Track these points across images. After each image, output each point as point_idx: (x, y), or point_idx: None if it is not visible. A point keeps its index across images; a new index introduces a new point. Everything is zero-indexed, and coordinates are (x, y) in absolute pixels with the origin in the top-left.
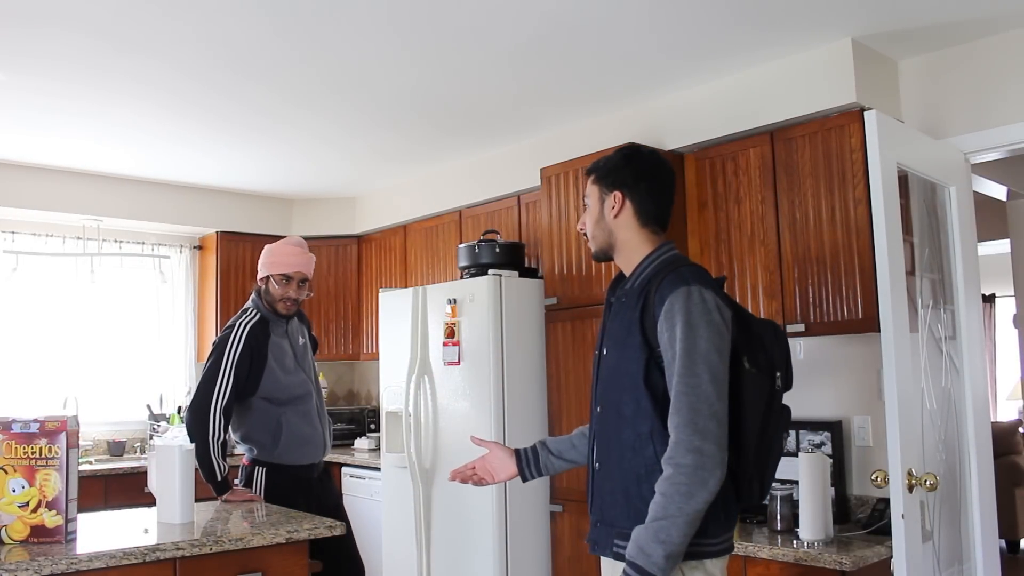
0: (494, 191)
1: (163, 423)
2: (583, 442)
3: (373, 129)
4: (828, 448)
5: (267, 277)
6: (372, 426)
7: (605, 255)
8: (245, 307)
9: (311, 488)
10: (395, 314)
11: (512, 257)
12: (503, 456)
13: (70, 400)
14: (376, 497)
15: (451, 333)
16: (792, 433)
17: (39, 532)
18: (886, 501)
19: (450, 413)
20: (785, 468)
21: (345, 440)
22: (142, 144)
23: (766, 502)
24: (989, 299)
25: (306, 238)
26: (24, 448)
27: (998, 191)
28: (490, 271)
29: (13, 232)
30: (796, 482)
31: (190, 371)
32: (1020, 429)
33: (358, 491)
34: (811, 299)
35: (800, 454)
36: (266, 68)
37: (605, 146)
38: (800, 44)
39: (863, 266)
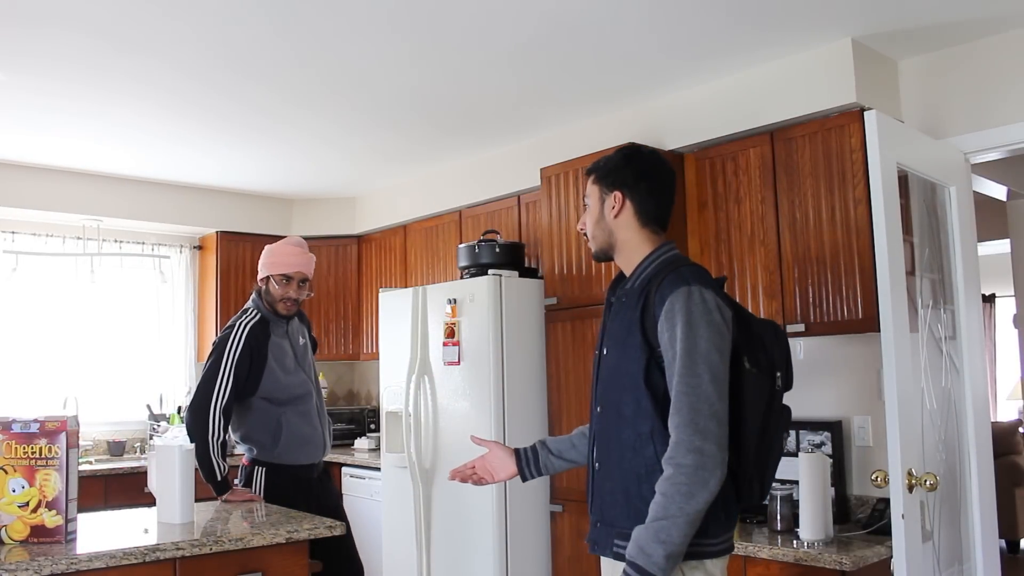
0: (494, 191)
1: (163, 423)
2: (583, 442)
3: (373, 129)
4: (828, 448)
5: (267, 277)
6: (372, 426)
7: (605, 255)
8: (245, 307)
9: (311, 488)
10: (395, 314)
11: (512, 257)
12: (503, 456)
13: (70, 400)
14: (376, 497)
15: (451, 333)
16: (792, 433)
17: (39, 532)
18: (886, 501)
19: (450, 413)
20: (785, 468)
21: (345, 440)
22: (142, 144)
23: (766, 502)
24: (989, 299)
25: (306, 238)
26: (24, 448)
27: (998, 191)
28: (490, 271)
29: (13, 232)
30: (796, 482)
31: (190, 371)
32: (1020, 429)
33: (358, 491)
34: (811, 299)
35: (800, 454)
36: (266, 68)
37: (605, 146)
38: (800, 44)
39: (863, 266)
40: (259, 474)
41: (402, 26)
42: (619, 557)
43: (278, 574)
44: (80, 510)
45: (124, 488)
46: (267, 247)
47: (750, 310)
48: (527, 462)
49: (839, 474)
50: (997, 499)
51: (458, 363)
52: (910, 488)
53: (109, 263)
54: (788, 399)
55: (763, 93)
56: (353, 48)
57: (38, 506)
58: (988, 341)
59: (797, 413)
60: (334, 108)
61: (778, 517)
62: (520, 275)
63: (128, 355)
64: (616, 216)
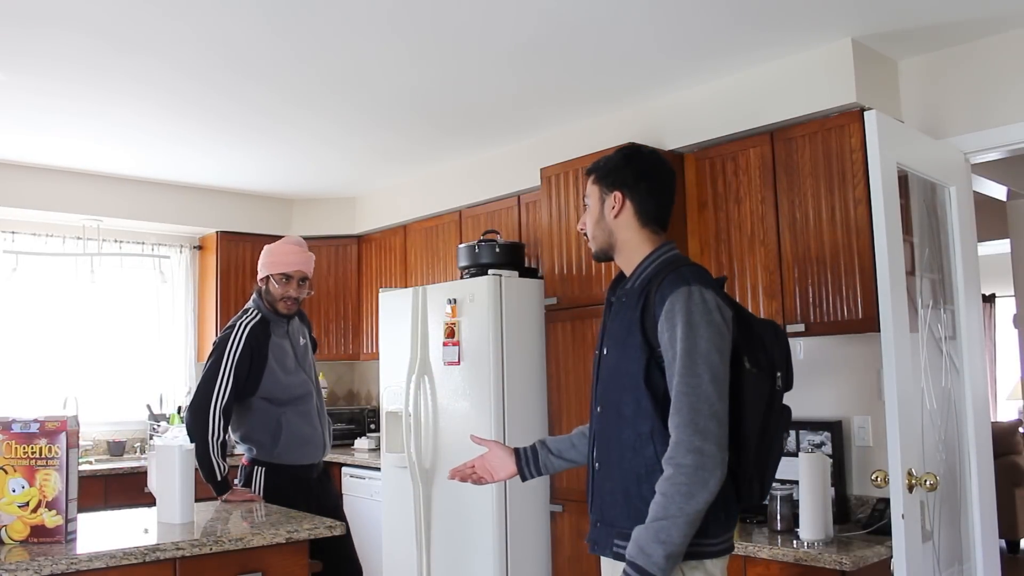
0: (494, 191)
1: (163, 423)
2: (583, 441)
3: (373, 129)
4: (828, 448)
5: (267, 277)
6: (372, 426)
7: (605, 255)
8: (246, 307)
9: (310, 488)
10: (395, 314)
11: (512, 257)
12: (502, 455)
13: (70, 400)
14: (376, 497)
15: (451, 333)
16: (792, 433)
17: (39, 532)
18: (886, 501)
19: (450, 413)
20: (785, 468)
21: (345, 440)
22: (142, 144)
23: (766, 502)
24: (989, 299)
25: (306, 238)
26: (24, 448)
27: (998, 191)
28: (490, 271)
29: (13, 232)
30: (796, 482)
31: (190, 371)
32: (1020, 429)
33: (358, 491)
34: (811, 299)
35: (800, 454)
36: (266, 68)
37: (605, 146)
38: (800, 44)
39: (863, 266)
40: (258, 474)
41: (402, 26)
42: (619, 557)
43: (278, 574)
44: (80, 510)
45: (124, 488)
46: (266, 247)
47: (750, 310)
48: (527, 462)
49: (839, 474)
50: (997, 499)
51: (458, 363)
52: (910, 488)
53: (109, 263)
54: (788, 399)
55: (763, 93)
56: (353, 48)
57: (38, 506)
58: (988, 341)
59: (797, 413)
60: (334, 108)
61: (778, 517)
62: (520, 275)
63: (128, 355)
64: (616, 216)
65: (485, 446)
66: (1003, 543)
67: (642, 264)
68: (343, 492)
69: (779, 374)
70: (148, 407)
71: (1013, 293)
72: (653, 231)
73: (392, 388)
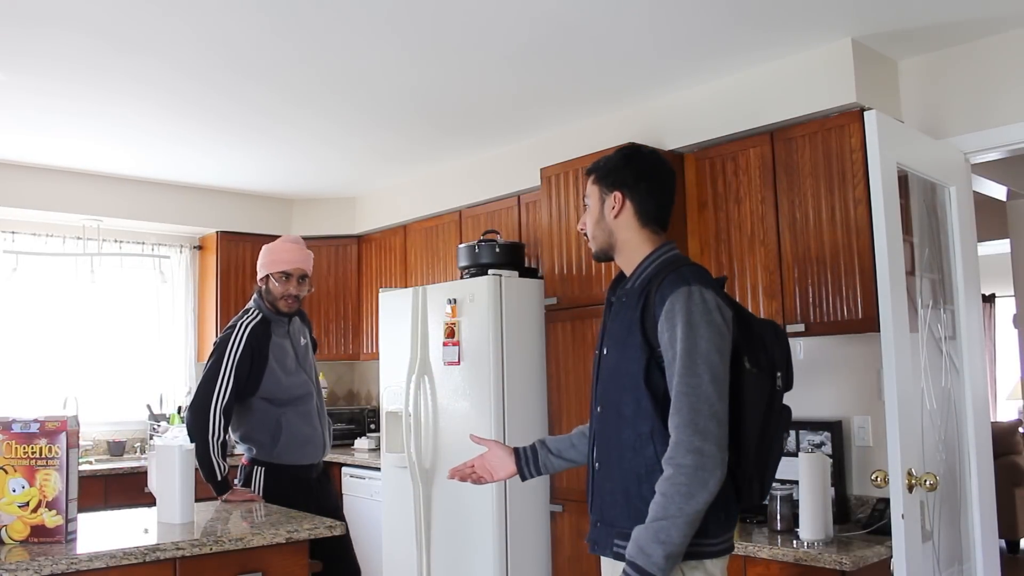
0: (494, 191)
1: (163, 423)
2: (582, 441)
3: (373, 129)
4: (828, 448)
5: (266, 276)
6: (372, 426)
7: (605, 255)
8: (247, 307)
9: (310, 489)
10: (395, 314)
11: (512, 257)
12: (502, 455)
13: (70, 400)
14: (376, 497)
15: (451, 333)
16: (792, 433)
17: (39, 532)
18: (886, 501)
19: (450, 413)
20: (785, 468)
21: (345, 440)
22: (142, 144)
23: (766, 502)
24: (989, 299)
25: (306, 238)
26: (24, 448)
27: (998, 191)
28: (490, 271)
29: (13, 232)
30: (796, 482)
31: (190, 371)
32: (1020, 429)
33: (358, 491)
34: (811, 299)
35: (800, 454)
36: (266, 68)
37: (605, 146)
38: (800, 44)
39: (863, 266)
40: (258, 474)
41: (402, 26)
42: (619, 557)
43: (278, 574)
44: (80, 510)
45: (124, 488)
46: (264, 247)
47: (750, 310)
48: (526, 461)
49: (839, 474)
50: (997, 499)
51: (458, 363)
52: (910, 488)
53: (109, 263)
54: (788, 399)
55: (763, 93)
56: (353, 48)
57: (38, 506)
58: (988, 341)
59: (797, 413)
60: (334, 108)
61: (778, 517)
62: (520, 275)
63: (128, 355)
64: (616, 216)
65: (485, 446)
66: (1003, 543)
67: (642, 264)
68: (343, 492)
69: (779, 374)
70: (148, 407)
71: (1013, 293)
72: (653, 231)
73: (392, 388)
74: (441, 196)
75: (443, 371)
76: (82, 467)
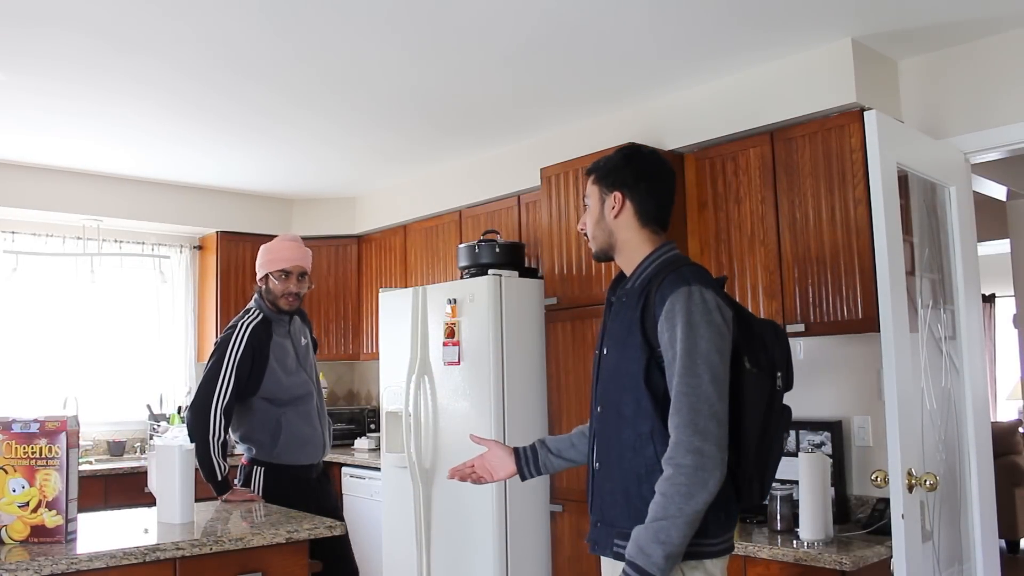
0: (494, 191)
1: (163, 423)
2: (582, 441)
3: (373, 129)
4: (828, 448)
5: (266, 275)
6: (372, 426)
7: (606, 255)
8: (248, 307)
9: (310, 489)
10: (395, 314)
11: (512, 257)
12: (502, 455)
13: (70, 400)
14: (376, 497)
15: (451, 333)
16: (792, 433)
17: (39, 532)
18: (886, 501)
19: (450, 413)
20: (785, 468)
21: (345, 440)
22: (142, 144)
23: (766, 502)
24: (989, 299)
25: (306, 238)
26: (24, 448)
27: (998, 191)
28: (490, 271)
29: (13, 232)
30: (796, 482)
31: (190, 371)
32: (1020, 429)
33: (358, 491)
34: (811, 299)
35: (800, 454)
36: (266, 68)
37: (605, 146)
38: (800, 44)
39: (863, 266)
40: (258, 474)
41: (402, 26)
42: (619, 557)
43: (278, 574)
44: (80, 510)
45: (124, 488)
46: (262, 246)
47: (750, 310)
48: (526, 461)
49: (839, 474)
50: (997, 499)
51: (458, 363)
52: (910, 488)
53: (109, 263)
54: (788, 399)
55: (763, 93)
56: (353, 48)
57: (38, 506)
58: (988, 341)
59: (797, 413)
60: (334, 108)
61: (778, 517)
62: (520, 275)
63: (128, 355)
64: (616, 216)
65: (484, 445)
66: (1003, 543)
67: (642, 264)
68: (343, 492)
69: (779, 374)
70: (148, 407)
71: (1013, 293)
72: (653, 231)
73: (392, 388)
74: (441, 196)
75: (443, 371)
76: (82, 467)
